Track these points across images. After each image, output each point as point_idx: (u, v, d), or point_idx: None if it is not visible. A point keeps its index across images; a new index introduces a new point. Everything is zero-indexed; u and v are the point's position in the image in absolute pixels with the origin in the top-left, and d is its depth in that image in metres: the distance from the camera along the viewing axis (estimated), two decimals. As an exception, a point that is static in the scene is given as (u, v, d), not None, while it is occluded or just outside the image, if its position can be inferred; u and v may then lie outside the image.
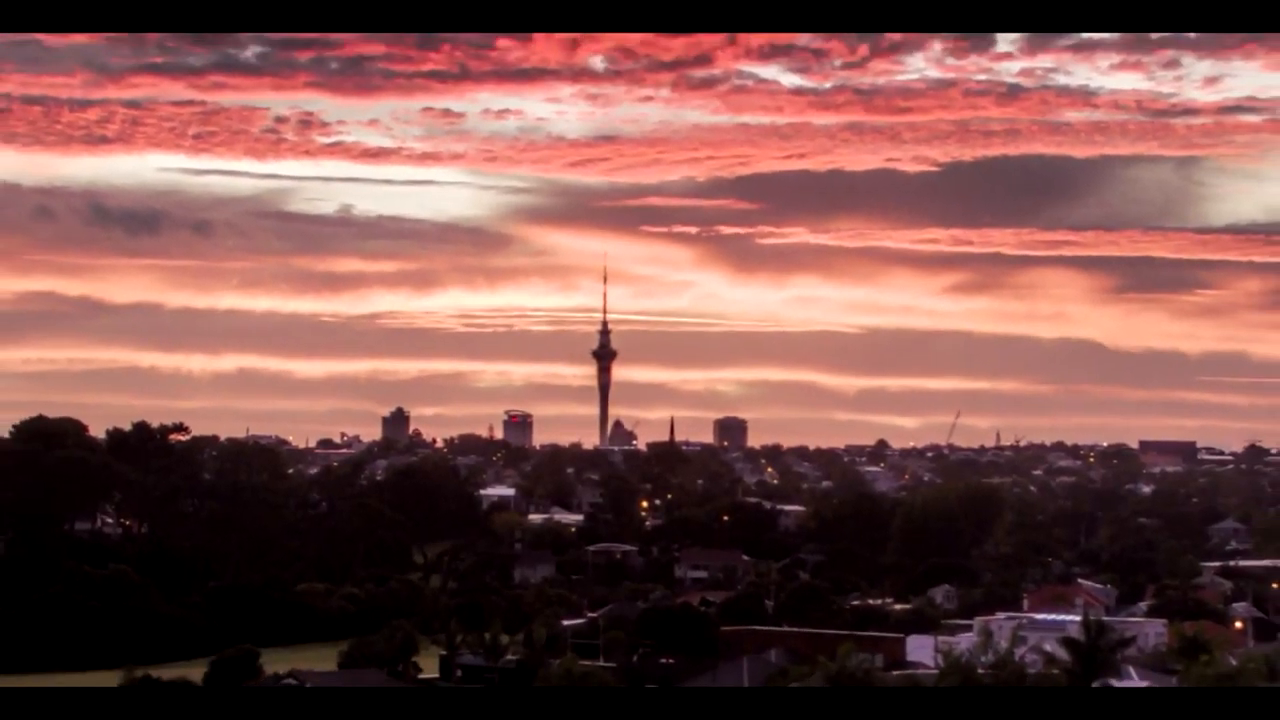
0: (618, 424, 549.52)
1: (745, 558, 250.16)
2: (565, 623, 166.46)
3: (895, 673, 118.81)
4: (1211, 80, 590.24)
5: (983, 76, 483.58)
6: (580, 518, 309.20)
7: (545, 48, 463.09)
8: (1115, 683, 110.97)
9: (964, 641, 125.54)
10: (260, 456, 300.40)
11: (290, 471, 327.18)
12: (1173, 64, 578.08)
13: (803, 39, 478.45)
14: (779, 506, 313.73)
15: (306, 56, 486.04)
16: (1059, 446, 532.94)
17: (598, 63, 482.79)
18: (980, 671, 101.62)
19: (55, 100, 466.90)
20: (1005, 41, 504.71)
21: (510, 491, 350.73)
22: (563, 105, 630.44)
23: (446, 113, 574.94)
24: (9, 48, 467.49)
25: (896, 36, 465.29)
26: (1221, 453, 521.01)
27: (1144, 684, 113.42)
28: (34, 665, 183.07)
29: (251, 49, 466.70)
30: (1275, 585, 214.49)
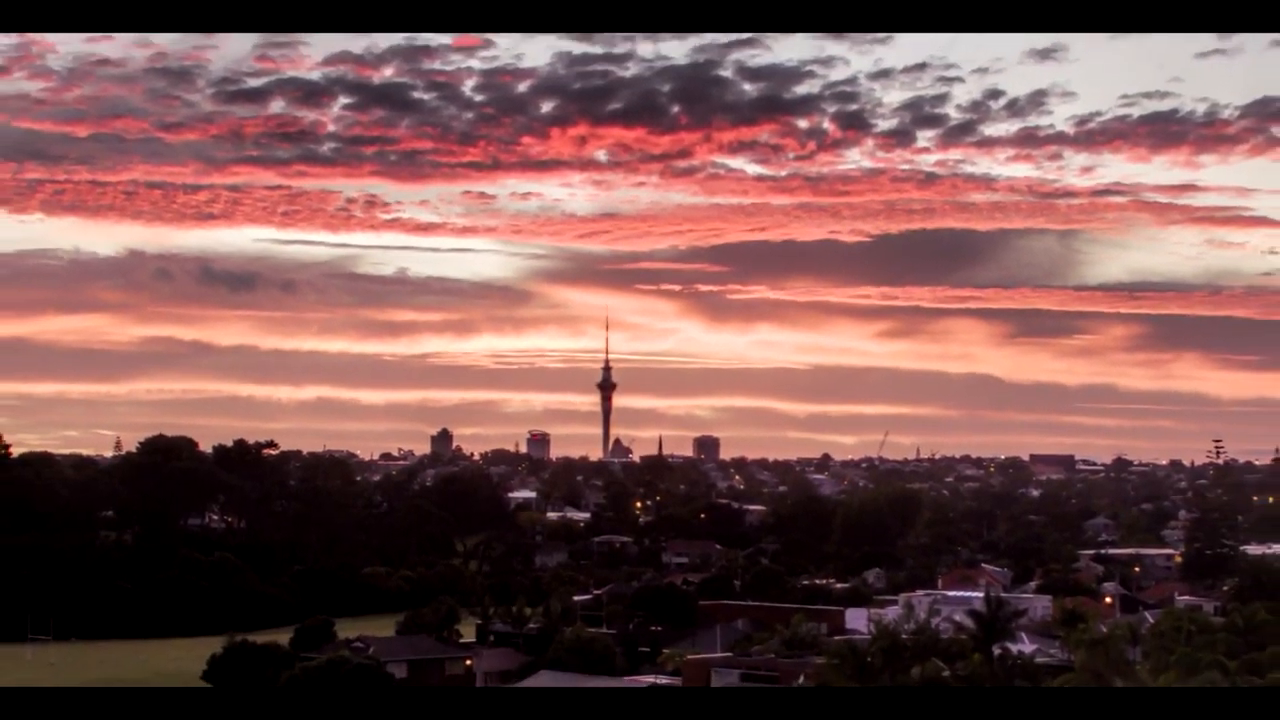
0: (617, 441, 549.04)
1: (718, 547, 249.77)
2: (576, 598, 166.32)
3: (836, 636, 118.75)
4: (1087, 169, 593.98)
5: (905, 166, 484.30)
6: (587, 515, 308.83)
7: (560, 144, 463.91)
8: (1012, 646, 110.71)
9: (891, 613, 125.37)
10: (334, 467, 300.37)
11: (358, 479, 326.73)
12: (1056, 156, 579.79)
13: (763, 135, 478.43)
14: (744, 506, 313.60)
15: (371, 150, 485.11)
16: (965, 459, 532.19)
17: (601, 156, 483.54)
18: (904, 637, 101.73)
19: (172, 185, 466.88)
20: (923, 139, 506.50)
21: (532, 494, 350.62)
22: (574, 189, 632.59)
23: (481, 195, 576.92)
24: (136, 144, 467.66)
25: (838, 134, 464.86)
26: (1094, 464, 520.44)
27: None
28: (155, 633, 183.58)
29: (327, 145, 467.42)
30: (1137, 569, 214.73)
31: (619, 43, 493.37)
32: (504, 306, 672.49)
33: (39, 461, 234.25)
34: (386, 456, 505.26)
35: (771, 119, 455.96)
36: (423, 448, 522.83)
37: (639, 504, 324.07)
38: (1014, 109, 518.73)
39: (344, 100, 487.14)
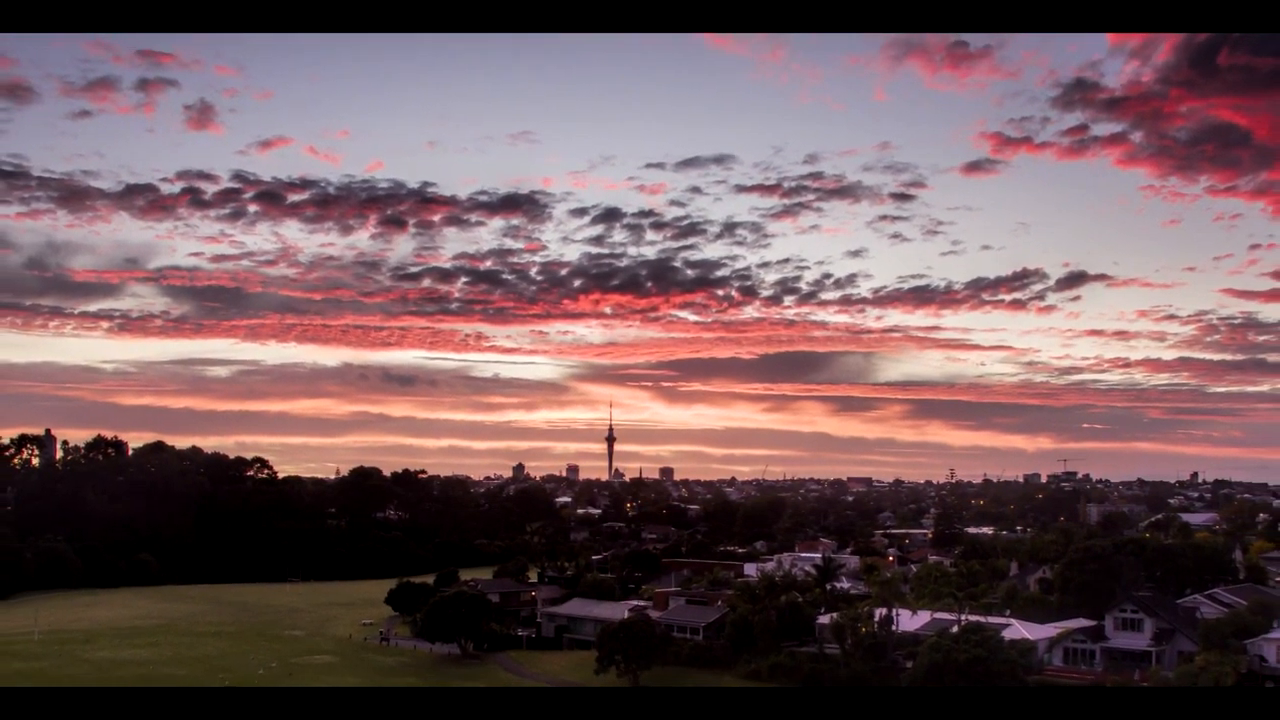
0: (617, 470, 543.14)
1: (673, 529, 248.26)
2: (594, 557, 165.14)
3: (739, 579, 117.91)
4: (879, 318, 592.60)
5: (778, 317, 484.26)
6: (599, 511, 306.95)
7: (584, 304, 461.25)
8: (838, 584, 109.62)
9: (770, 565, 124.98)
10: (457, 484, 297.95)
11: (471, 490, 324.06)
12: (862, 310, 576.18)
13: (698, 299, 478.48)
14: (688, 506, 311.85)
15: (479, 307, 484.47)
16: (811, 479, 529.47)
17: (608, 310, 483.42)
18: (777, 579, 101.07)
19: (367, 326, 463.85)
20: (788, 300, 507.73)
21: (569, 499, 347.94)
22: (592, 329, 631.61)
23: (541, 332, 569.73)
24: (347, 304, 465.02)
25: (740, 298, 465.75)
26: (883, 483, 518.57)
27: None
28: (358, 577, 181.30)
29: (454, 304, 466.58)
30: (906, 541, 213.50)
31: (618, 246, 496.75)
32: (553, 395, 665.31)
33: (293, 481, 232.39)
34: (487, 478, 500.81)
35: (702, 289, 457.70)
36: (507, 473, 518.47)
37: (629, 505, 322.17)
38: (838, 284, 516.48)
39: (464, 279, 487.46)
